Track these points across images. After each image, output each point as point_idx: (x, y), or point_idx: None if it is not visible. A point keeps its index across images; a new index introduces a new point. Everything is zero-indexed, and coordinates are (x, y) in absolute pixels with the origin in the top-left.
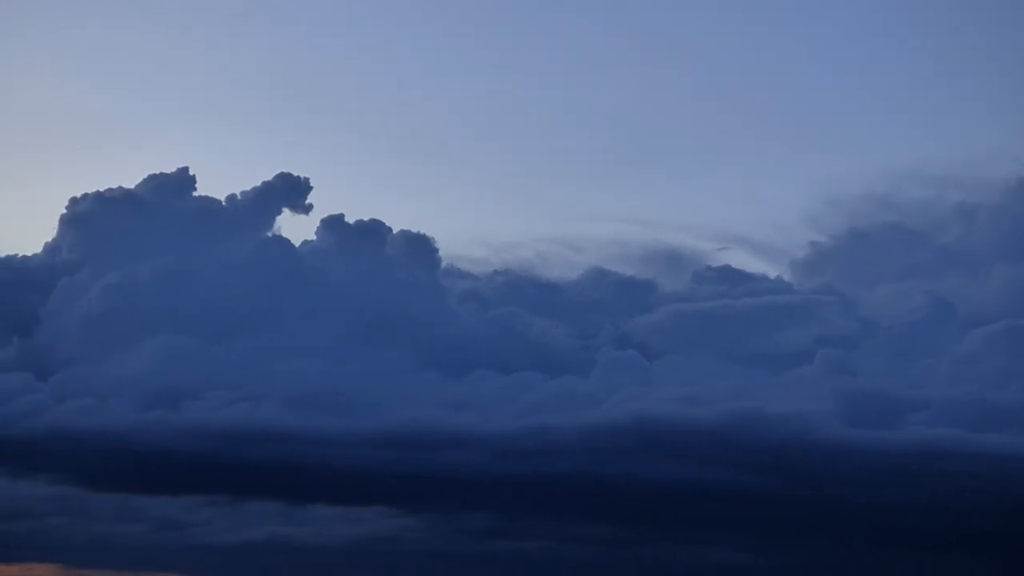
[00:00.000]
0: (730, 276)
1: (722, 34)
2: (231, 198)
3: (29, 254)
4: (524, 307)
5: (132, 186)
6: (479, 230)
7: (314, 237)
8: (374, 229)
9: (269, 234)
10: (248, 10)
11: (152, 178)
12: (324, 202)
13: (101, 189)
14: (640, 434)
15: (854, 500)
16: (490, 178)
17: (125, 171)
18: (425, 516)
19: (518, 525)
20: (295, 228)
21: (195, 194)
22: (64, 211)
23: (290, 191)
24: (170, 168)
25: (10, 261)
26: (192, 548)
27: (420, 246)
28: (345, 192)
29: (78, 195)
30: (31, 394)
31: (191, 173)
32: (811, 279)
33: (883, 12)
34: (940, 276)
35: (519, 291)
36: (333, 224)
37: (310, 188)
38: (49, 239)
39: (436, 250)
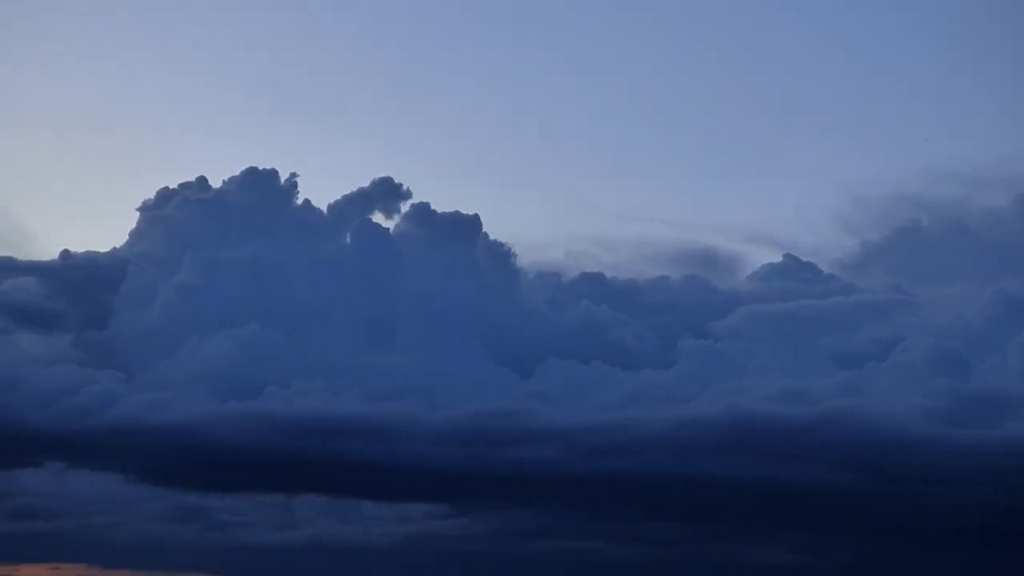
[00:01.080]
0: (795, 274)
1: (751, 34)
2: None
3: (107, 249)
4: (603, 306)
5: (212, 182)
6: (506, 230)
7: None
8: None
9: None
10: (339, 13)
11: (248, 174)
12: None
13: (180, 183)
14: (728, 431)
15: (946, 500)
16: (517, 179)
17: (204, 168)
18: (478, 515)
19: (573, 524)
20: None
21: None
22: (143, 206)
23: (386, 195)
24: (250, 165)
25: (88, 257)
26: (229, 549)
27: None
28: None
29: (156, 191)
30: (100, 387)
31: (295, 179)
32: (863, 278)
33: (911, 12)
34: (999, 272)
35: (597, 291)
36: (420, 215)
37: (409, 195)
38: (128, 234)
39: (513, 254)
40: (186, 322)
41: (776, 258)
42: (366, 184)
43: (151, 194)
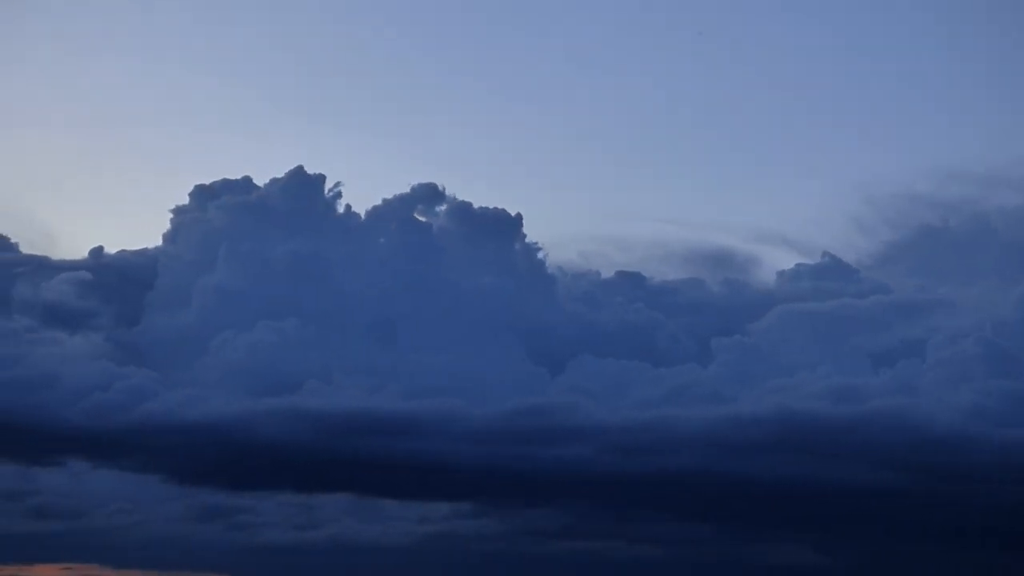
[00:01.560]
0: (826, 274)
1: (762, 34)
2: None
3: (140, 247)
4: (638, 304)
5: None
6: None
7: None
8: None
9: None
10: (380, 16)
11: (295, 175)
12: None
13: (221, 180)
14: (771, 430)
15: (992, 499)
16: (527, 178)
17: (234, 169)
18: (503, 514)
19: (600, 524)
20: None
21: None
22: (176, 208)
23: (426, 200)
24: (283, 168)
25: (121, 256)
26: (246, 549)
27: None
28: None
29: (189, 190)
30: (133, 383)
31: (339, 189)
32: (885, 278)
33: (924, 12)
34: (1021, 271)
35: (632, 291)
36: (461, 213)
37: (453, 200)
38: (162, 231)
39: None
40: (222, 319)
41: (789, 258)
42: (401, 189)
43: (182, 193)
